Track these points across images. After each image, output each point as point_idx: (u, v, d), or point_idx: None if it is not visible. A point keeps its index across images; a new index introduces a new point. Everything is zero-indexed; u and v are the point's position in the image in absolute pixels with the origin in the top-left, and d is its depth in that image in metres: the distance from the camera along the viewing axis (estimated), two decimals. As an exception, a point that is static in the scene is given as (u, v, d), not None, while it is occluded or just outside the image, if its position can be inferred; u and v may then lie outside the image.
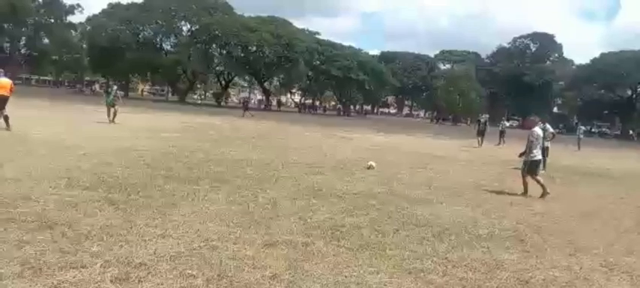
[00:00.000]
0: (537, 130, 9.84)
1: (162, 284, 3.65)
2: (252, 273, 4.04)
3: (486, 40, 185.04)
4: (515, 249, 5.48)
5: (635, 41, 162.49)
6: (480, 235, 5.94)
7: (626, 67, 63.55)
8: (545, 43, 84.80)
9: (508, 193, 9.51)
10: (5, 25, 63.89)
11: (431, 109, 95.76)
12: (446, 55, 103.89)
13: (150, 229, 4.98)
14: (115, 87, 21.18)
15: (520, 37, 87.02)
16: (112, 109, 18.80)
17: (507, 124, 28.96)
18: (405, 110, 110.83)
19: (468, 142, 25.46)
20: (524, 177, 9.57)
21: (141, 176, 7.86)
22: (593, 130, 65.33)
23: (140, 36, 62.59)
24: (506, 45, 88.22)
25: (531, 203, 8.62)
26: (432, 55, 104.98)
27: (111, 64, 59.98)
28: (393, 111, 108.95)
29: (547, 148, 14.69)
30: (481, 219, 6.89)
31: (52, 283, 3.50)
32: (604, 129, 71.77)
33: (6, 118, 13.10)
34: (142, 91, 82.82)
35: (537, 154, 9.61)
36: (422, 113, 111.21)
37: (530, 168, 9.52)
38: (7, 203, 5.45)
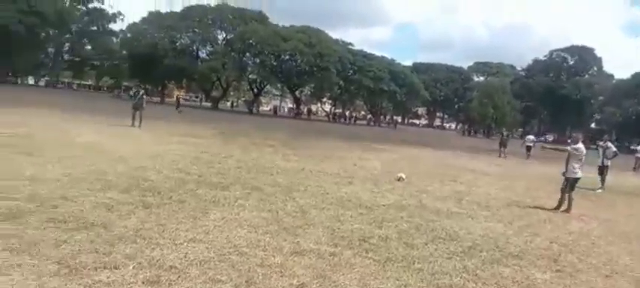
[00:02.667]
0: (580, 146, 9.52)
1: (191, 288, 3.72)
2: (280, 281, 4.07)
3: (524, 53, 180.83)
4: (548, 268, 5.32)
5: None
6: (511, 253, 5.79)
7: (670, 82, 61.02)
8: (584, 56, 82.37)
9: (542, 210, 9.25)
10: (51, 32, 66.70)
11: (463, 121, 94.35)
12: (480, 67, 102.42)
13: (181, 233, 5.09)
14: (142, 91, 21.37)
15: (557, 50, 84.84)
16: (137, 113, 19.16)
17: (531, 137, 29.81)
18: (436, 122, 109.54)
19: (500, 157, 24.95)
20: (563, 193, 9.40)
21: (174, 181, 8.04)
22: (632, 147, 62.70)
23: (177, 44, 64.11)
24: (542, 58, 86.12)
25: (567, 221, 8.36)
26: (465, 66, 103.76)
27: (148, 71, 61.65)
28: (423, 122, 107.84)
29: (607, 166, 14.38)
30: (513, 236, 6.72)
31: (87, 282, 3.62)
32: (646, 146, 68.80)
33: None
34: (178, 97, 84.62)
35: (578, 171, 9.35)
36: (453, 125, 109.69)
37: (572, 185, 9.31)
38: (47, 203, 5.68)
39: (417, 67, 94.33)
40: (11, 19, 52.72)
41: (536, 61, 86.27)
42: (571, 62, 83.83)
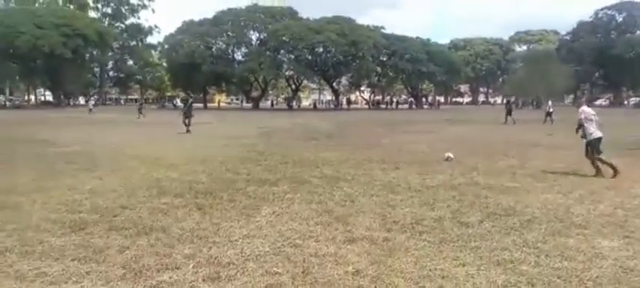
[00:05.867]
0: (584, 108, 9.49)
1: (250, 282, 3.80)
2: (336, 269, 4.07)
3: (570, 19, 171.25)
4: (615, 235, 5.06)
5: None
6: (573, 223, 5.54)
7: None
8: (633, 11, 77.12)
9: (604, 178, 8.80)
10: (94, 52, 69.65)
11: (508, 94, 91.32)
12: (522, 36, 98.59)
13: (235, 231, 5.20)
14: (190, 100, 23.36)
15: (603, 9, 79.94)
16: (188, 120, 20.42)
17: (550, 102, 31.50)
18: (481, 98, 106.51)
19: (550, 127, 23.98)
20: (591, 159, 9.17)
21: (224, 181, 8.22)
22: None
23: (213, 49, 65.27)
24: (587, 19, 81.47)
25: (631, 186, 7.91)
26: (506, 38, 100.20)
27: (189, 79, 63.20)
28: (467, 100, 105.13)
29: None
30: (574, 205, 6.43)
31: (151, 284, 3.77)
32: None
33: None
34: (219, 102, 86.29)
35: (595, 132, 9.12)
36: (499, 100, 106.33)
37: (594, 147, 9.08)
38: (108, 213, 5.95)
39: (456, 44, 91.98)
40: (57, 44, 55.37)
41: (581, 24, 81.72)
42: (619, 19, 78.92)
